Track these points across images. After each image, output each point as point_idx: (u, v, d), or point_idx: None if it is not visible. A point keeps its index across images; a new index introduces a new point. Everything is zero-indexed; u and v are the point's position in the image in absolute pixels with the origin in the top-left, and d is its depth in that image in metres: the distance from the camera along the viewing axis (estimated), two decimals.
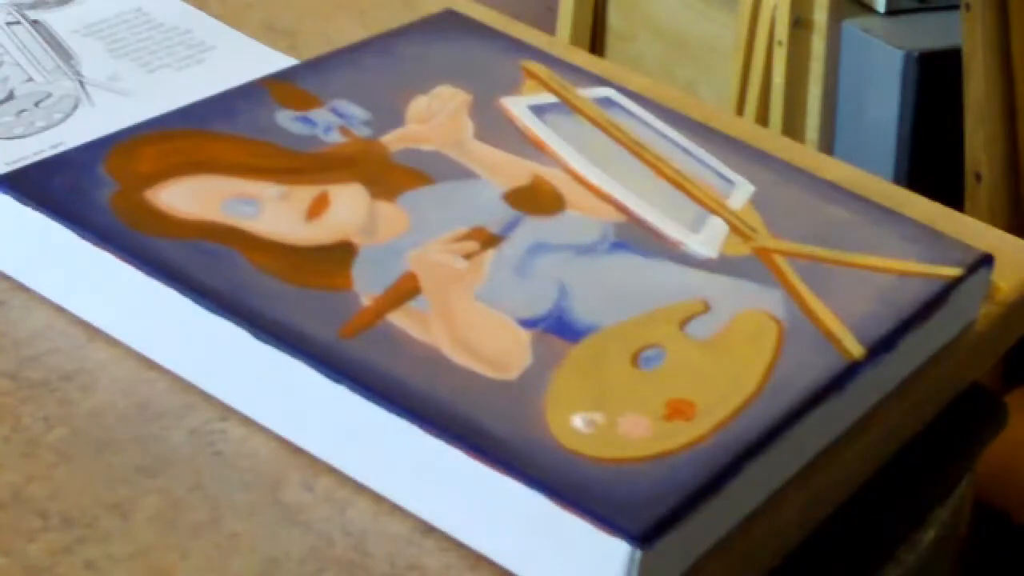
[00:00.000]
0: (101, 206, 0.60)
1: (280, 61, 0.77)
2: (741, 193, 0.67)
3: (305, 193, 0.63)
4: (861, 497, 0.61)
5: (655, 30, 2.22)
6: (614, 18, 2.28)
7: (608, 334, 0.58)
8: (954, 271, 0.64)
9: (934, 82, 1.55)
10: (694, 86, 2.13)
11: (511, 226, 0.63)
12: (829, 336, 0.59)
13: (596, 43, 2.29)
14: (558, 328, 0.58)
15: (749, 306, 0.60)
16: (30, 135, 0.70)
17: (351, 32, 0.80)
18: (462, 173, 0.66)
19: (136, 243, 0.58)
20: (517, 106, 0.71)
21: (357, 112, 0.68)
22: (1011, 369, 1.27)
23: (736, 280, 0.62)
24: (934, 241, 0.66)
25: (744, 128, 0.77)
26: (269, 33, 0.80)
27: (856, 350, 0.59)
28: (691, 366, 0.57)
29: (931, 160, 1.58)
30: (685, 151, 0.70)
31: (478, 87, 0.72)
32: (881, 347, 0.60)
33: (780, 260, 0.63)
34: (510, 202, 0.64)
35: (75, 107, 0.73)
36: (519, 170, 0.67)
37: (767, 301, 0.61)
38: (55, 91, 0.74)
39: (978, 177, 1.38)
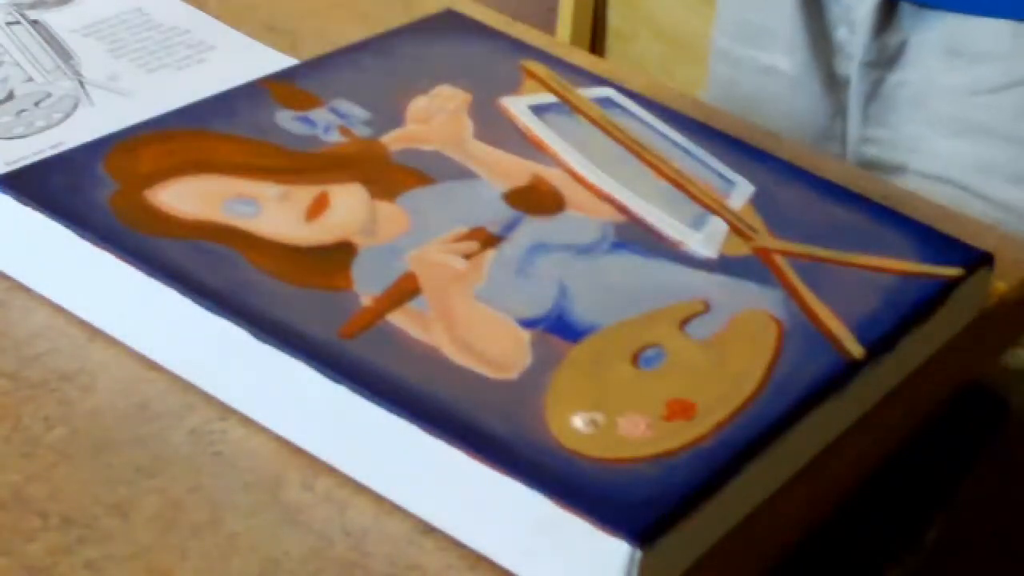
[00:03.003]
0: (101, 206, 0.60)
1: (280, 61, 0.77)
2: (741, 193, 0.67)
3: (305, 193, 0.63)
4: (862, 497, 0.61)
5: (655, 30, 2.22)
6: (614, 18, 2.28)
7: (608, 334, 0.58)
8: (954, 271, 0.64)
9: None
10: (694, 86, 2.13)
11: (511, 226, 0.63)
12: (829, 336, 0.59)
13: (596, 43, 2.29)
14: (558, 328, 0.58)
15: (749, 306, 0.60)
16: (30, 135, 0.70)
17: (351, 32, 0.80)
18: (462, 173, 0.66)
19: (136, 243, 0.58)
20: (517, 106, 0.71)
21: (357, 112, 0.68)
22: None
23: (736, 280, 0.62)
24: (934, 241, 0.66)
25: (744, 128, 0.77)
26: (269, 33, 0.80)
27: (856, 350, 0.59)
28: (691, 366, 0.57)
29: None
30: (685, 151, 0.69)
31: (478, 87, 0.72)
32: (881, 347, 0.60)
33: (780, 260, 0.63)
34: (510, 202, 0.64)
35: (75, 107, 0.73)
36: (519, 170, 0.67)
37: (767, 301, 0.61)
38: (55, 91, 0.74)
39: None
